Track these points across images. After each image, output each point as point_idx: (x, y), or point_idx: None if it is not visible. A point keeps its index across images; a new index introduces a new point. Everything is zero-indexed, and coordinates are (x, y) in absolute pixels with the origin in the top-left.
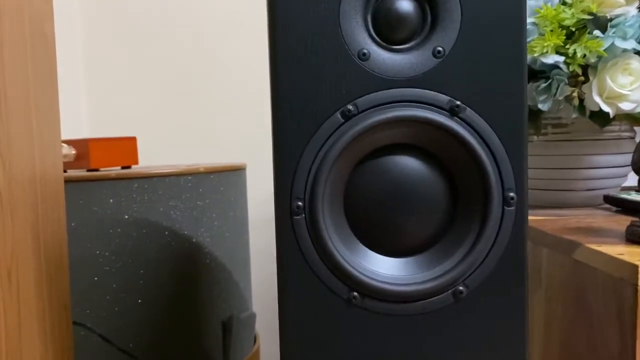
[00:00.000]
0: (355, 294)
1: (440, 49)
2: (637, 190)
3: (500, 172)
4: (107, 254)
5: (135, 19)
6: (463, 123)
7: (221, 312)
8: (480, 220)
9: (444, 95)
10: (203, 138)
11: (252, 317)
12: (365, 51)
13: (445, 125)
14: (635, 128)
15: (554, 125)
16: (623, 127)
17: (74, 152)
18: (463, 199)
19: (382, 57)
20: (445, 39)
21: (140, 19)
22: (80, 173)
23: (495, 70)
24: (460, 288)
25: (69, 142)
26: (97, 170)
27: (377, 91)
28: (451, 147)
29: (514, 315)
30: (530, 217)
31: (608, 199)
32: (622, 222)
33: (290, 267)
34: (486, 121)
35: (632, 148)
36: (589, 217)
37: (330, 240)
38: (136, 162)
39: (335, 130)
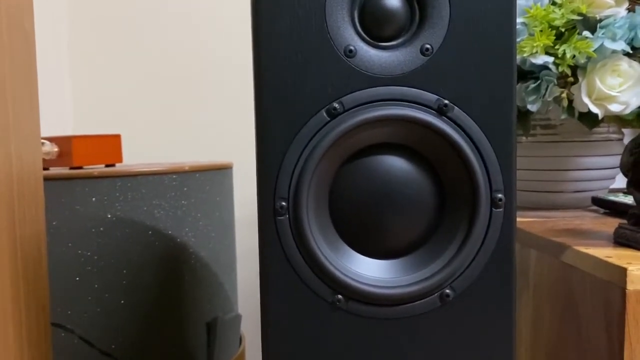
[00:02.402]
0: (340, 296)
1: (428, 46)
2: (624, 192)
3: (488, 173)
4: (89, 253)
5: (122, 16)
6: (451, 122)
7: (206, 314)
8: (467, 222)
9: (431, 94)
10: (189, 136)
11: (238, 318)
12: (351, 48)
13: (432, 124)
14: (624, 130)
15: (543, 127)
16: (611, 129)
17: (56, 149)
18: (451, 200)
19: (369, 54)
20: (433, 36)
21: (127, 15)
22: (63, 171)
23: (484, 69)
24: (447, 291)
25: (51, 139)
26: (80, 168)
27: (363, 89)
28: (439, 147)
29: (501, 319)
30: (518, 219)
31: (596, 201)
32: (610, 224)
33: (273, 269)
34: (474, 121)
35: (620, 150)
36: (577, 219)
37: (314, 242)
38: (120, 160)
39: (320, 129)
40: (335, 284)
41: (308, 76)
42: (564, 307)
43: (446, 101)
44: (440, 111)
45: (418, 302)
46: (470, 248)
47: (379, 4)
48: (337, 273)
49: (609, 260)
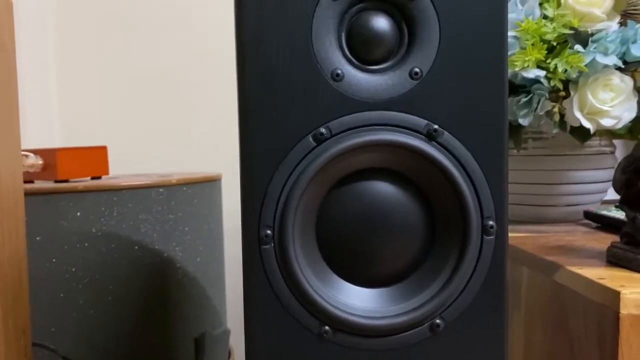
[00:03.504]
0: (327, 328)
1: (417, 70)
2: (617, 206)
3: (479, 200)
4: (73, 269)
5: (109, 27)
6: (441, 148)
7: (193, 329)
8: (458, 250)
9: (421, 119)
10: (178, 146)
11: (226, 333)
12: (339, 71)
13: (422, 150)
14: (616, 142)
15: (535, 139)
16: (603, 142)
17: (40, 162)
18: (441, 227)
19: (357, 78)
20: (422, 59)
21: (114, 26)
22: (46, 185)
23: (475, 94)
24: (437, 321)
25: (35, 152)
26: (66, 181)
27: (351, 113)
28: (429, 172)
29: (493, 350)
30: (510, 234)
31: (588, 215)
32: (603, 240)
33: (258, 299)
34: (465, 146)
35: (613, 163)
36: (569, 235)
37: (300, 271)
38: (107, 172)
39: (306, 155)
40: (322, 315)
41: (294, 100)
42: (556, 327)
43: (436, 126)
44: (430, 136)
45: (407, 332)
46: (461, 276)
47: (367, 27)
48: (324, 303)
49: (602, 282)
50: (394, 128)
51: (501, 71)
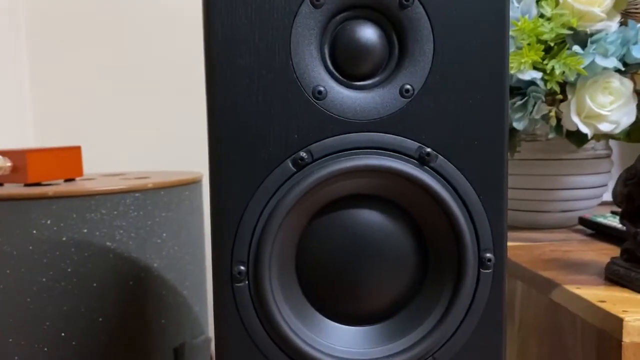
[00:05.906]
0: None
1: (408, 87)
2: (613, 212)
3: (476, 231)
4: (44, 279)
5: (83, 23)
6: (434, 173)
7: (173, 339)
8: (453, 285)
9: (412, 142)
10: (156, 143)
11: (208, 341)
12: (321, 88)
13: (413, 176)
14: (613, 145)
15: (527, 141)
16: (599, 146)
17: (9, 164)
18: (434, 260)
19: (341, 96)
20: (414, 75)
21: (88, 23)
22: (15, 190)
23: (472, 114)
24: None
25: (4, 153)
26: (37, 184)
27: (334, 136)
28: (420, 200)
29: None
30: None
31: (583, 222)
32: (599, 249)
33: (230, 343)
34: (461, 171)
35: (608, 167)
36: (565, 244)
37: (278, 311)
38: (81, 174)
39: (285, 182)
40: (303, 359)
41: (271, 121)
42: (552, 350)
43: (428, 149)
44: (422, 161)
45: None
46: (455, 314)
47: (353, 38)
48: (305, 347)
49: (603, 306)
50: (383, 152)
51: (501, 89)
